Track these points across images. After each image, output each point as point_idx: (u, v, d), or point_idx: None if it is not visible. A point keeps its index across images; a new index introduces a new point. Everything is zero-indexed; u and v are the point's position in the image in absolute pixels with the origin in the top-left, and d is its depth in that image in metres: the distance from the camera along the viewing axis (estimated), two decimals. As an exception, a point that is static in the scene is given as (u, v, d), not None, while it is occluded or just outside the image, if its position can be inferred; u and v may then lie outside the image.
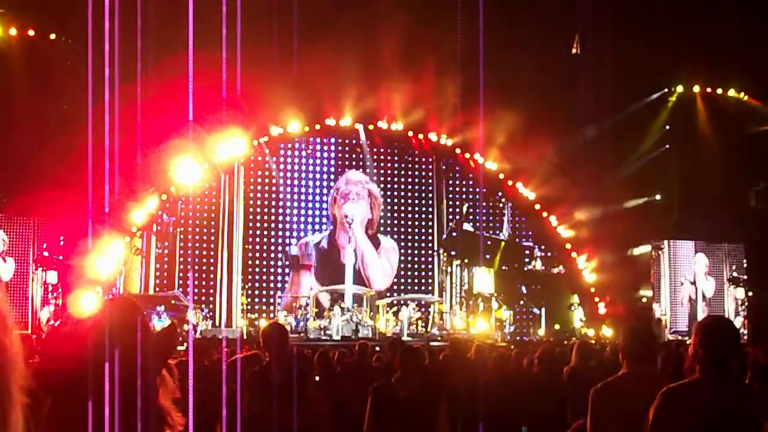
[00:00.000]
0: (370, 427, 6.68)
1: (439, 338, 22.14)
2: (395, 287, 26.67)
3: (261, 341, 6.65)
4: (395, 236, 27.45)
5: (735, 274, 27.19)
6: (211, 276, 25.11)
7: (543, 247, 28.05)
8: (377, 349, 13.50)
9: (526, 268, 27.65)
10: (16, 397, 1.27)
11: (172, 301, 21.53)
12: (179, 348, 13.93)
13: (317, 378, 8.50)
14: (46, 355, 2.16)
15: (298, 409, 5.98)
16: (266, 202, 26.80)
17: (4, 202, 21.37)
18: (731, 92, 27.92)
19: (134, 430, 2.15)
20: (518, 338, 24.43)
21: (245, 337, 20.98)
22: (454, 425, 6.75)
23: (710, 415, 3.87)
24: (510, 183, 27.76)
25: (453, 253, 26.57)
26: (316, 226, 27.07)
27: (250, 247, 26.33)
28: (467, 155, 27.69)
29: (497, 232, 27.78)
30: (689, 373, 4.26)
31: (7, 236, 21.43)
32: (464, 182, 28.29)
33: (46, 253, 21.69)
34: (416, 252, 27.86)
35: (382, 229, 27.20)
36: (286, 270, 26.49)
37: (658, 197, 27.68)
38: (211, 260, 25.25)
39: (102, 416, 2.13)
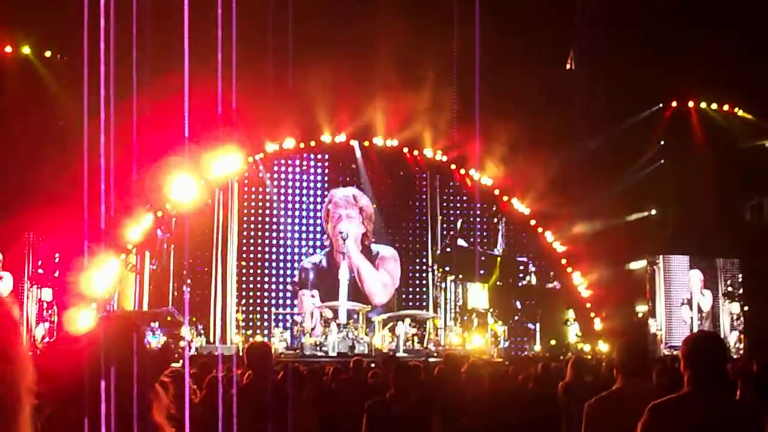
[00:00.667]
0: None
1: (435, 354, 22.10)
2: (391, 302, 26.57)
3: (245, 360, 6.65)
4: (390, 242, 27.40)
5: (730, 288, 27.22)
6: (206, 292, 25.04)
7: (538, 262, 28.03)
8: (373, 365, 13.48)
9: (520, 284, 27.61)
10: (25, 399, 1.30)
11: (167, 318, 21.49)
12: (174, 365, 13.91)
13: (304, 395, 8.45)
14: (41, 372, 2.17)
15: (280, 429, 5.96)
16: (261, 219, 26.81)
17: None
18: (726, 107, 28.02)
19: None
20: (513, 353, 24.40)
21: (241, 353, 20.92)
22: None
23: (698, 429, 3.88)
24: (505, 198, 27.80)
25: (447, 268, 26.54)
26: (310, 243, 27.05)
27: (245, 263, 26.31)
28: (462, 171, 27.74)
29: (492, 247, 27.76)
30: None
31: (1, 254, 21.40)
32: (459, 198, 28.29)
33: (41, 270, 21.66)
34: (411, 268, 27.84)
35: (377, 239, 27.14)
36: (281, 287, 26.49)
37: (653, 212, 27.73)
38: (206, 277, 25.19)
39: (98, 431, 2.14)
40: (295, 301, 26.01)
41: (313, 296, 24.51)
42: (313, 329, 23.24)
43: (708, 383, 4.01)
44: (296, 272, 26.59)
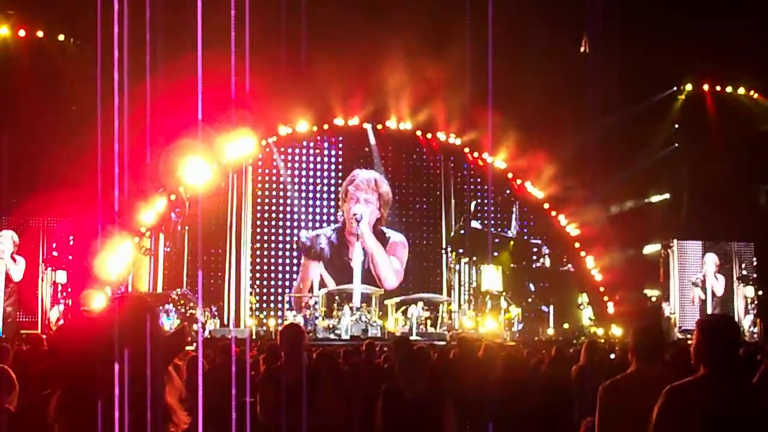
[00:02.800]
0: (380, 427, 6.68)
1: (448, 337, 22.12)
2: (404, 285, 26.56)
3: (278, 342, 6.72)
4: (403, 234, 27.37)
5: (744, 272, 27.11)
6: (220, 275, 25.11)
7: (551, 245, 27.98)
8: (386, 349, 13.49)
9: (534, 266, 27.60)
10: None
11: (181, 300, 21.56)
12: (189, 348, 13.96)
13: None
14: (54, 352, 2.18)
15: (309, 411, 5.99)
16: (274, 201, 26.83)
17: (14, 202, 21.44)
18: (741, 90, 27.84)
19: (141, 428, 2.15)
20: (527, 337, 24.39)
21: (254, 336, 20.98)
22: (462, 425, 6.75)
23: (715, 412, 3.87)
24: (518, 182, 27.73)
25: (461, 251, 26.52)
26: (324, 225, 27.05)
27: (259, 246, 26.38)
28: (476, 154, 27.67)
29: (505, 230, 27.73)
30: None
31: (18, 237, 21.51)
32: (472, 181, 28.20)
33: (55, 253, 21.76)
34: (424, 251, 27.83)
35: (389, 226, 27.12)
36: (294, 267, 26.52)
37: (667, 196, 27.61)
38: (220, 260, 25.26)
39: (110, 414, 2.14)
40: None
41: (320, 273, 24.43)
42: (315, 304, 23.28)
43: (723, 366, 3.99)
44: (302, 236, 26.54)
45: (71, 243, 21.77)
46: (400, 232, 27.18)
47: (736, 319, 24.86)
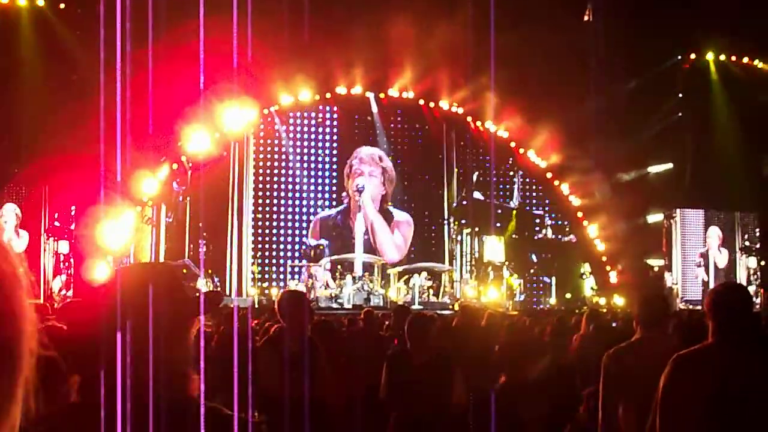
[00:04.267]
0: (386, 392, 6.69)
1: (450, 306, 22.17)
2: (406, 255, 26.59)
3: (276, 309, 6.65)
4: (405, 204, 27.37)
5: (747, 243, 27.11)
6: (222, 245, 25.10)
7: (554, 215, 27.99)
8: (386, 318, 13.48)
9: (536, 237, 27.61)
10: (26, 364, 1.25)
11: (183, 270, 21.58)
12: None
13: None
14: (62, 335, 2.16)
15: (311, 380, 5.97)
16: (276, 171, 26.79)
17: (16, 172, 21.42)
18: (745, 60, 27.69)
19: (149, 389, 2.13)
20: (529, 307, 24.44)
21: (256, 306, 21.02)
22: (467, 392, 6.76)
23: (724, 380, 3.86)
24: (521, 151, 27.66)
25: (464, 221, 26.51)
26: (326, 195, 27.03)
27: (261, 216, 26.38)
28: (478, 123, 27.58)
29: (508, 200, 27.71)
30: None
31: (20, 210, 21.50)
32: (475, 150, 28.08)
33: (57, 223, 21.76)
34: (427, 221, 27.83)
35: (394, 203, 27.09)
36: (296, 239, 26.52)
37: (670, 165, 27.54)
38: (222, 229, 25.25)
39: (115, 383, 2.12)
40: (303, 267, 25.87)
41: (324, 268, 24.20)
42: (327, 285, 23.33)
43: (732, 334, 3.98)
44: (310, 228, 26.53)
45: (73, 213, 21.75)
46: (401, 205, 27.17)
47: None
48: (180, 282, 2.37)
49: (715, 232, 27.19)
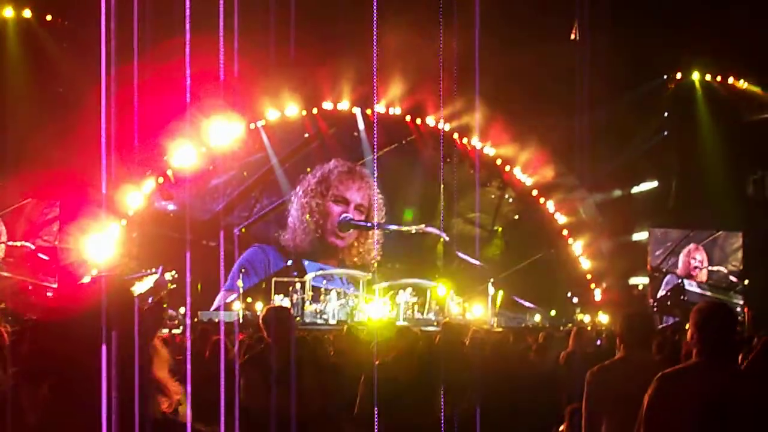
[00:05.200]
0: (364, 408, 6.65)
1: (434, 323, 22.14)
2: (392, 269, 26.52)
3: (261, 325, 6.61)
4: (393, 219, 27.32)
5: (732, 262, 27.15)
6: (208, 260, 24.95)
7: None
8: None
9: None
10: None
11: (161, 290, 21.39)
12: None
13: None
14: (37, 341, 2.14)
15: (297, 397, 5.94)
16: (262, 187, 26.71)
17: (1, 184, 21.31)
18: (730, 79, 27.84)
19: (131, 403, 2.12)
20: (514, 323, 24.43)
21: (241, 321, 20.93)
22: (449, 412, 6.73)
23: (707, 399, 3.86)
24: (507, 168, 27.70)
25: (452, 292, 25.84)
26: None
27: (245, 230, 26.29)
28: (465, 140, 27.59)
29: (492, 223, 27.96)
30: (687, 360, 4.25)
31: (4, 226, 21.33)
32: (462, 167, 28.02)
33: (46, 237, 21.63)
34: (414, 236, 27.73)
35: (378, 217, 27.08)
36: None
37: (655, 184, 27.63)
38: (211, 242, 25.13)
39: (99, 395, 2.11)
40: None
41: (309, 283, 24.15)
42: (312, 297, 23.27)
43: (717, 354, 3.98)
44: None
45: (57, 226, 21.64)
46: (388, 220, 27.17)
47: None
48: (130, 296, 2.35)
49: (696, 250, 27.16)
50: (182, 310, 20.10)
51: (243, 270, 24.20)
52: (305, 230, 26.23)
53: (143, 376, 2.19)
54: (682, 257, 26.75)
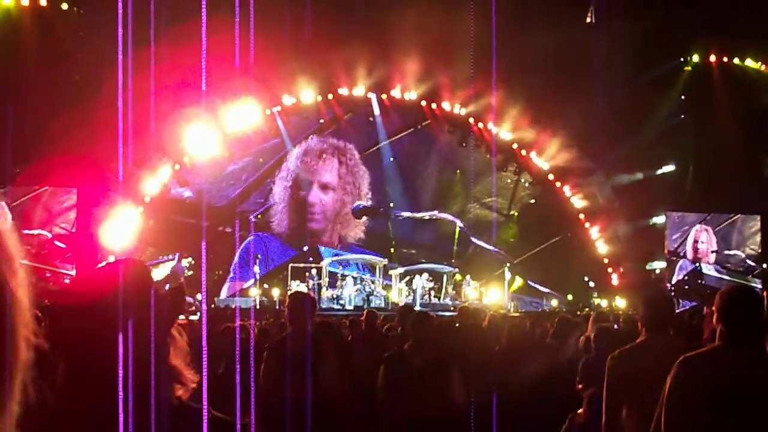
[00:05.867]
0: (384, 395, 6.65)
1: (451, 308, 22.13)
2: (409, 256, 26.51)
3: (286, 311, 6.65)
4: (409, 205, 27.27)
5: (751, 246, 26.99)
6: (226, 246, 25.02)
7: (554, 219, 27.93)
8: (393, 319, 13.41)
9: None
10: (22, 352, 1.22)
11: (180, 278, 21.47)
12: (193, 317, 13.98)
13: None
14: (55, 322, 2.13)
15: (314, 383, 5.94)
16: (278, 172, 26.71)
17: (18, 172, 21.39)
18: (748, 61, 27.63)
19: (147, 391, 2.11)
20: (530, 308, 24.41)
21: (257, 306, 20.97)
22: (467, 394, 6.73)
23: (730, 383, 3.84)
24: (524, 153, 27.59)
25: (468, 276, 25.77)
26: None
27: (261, 217, 26.32)
28: (480, 125, 27.49)
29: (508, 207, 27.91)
30: (708, 344, 4.23)
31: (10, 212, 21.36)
32: (478, 152, 27.96)
33: (64, 224, 21.72)
34: (430, 222, 27.69)
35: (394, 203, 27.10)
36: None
37: (672, 167, 27.47)
38: (227, 229, 25.21)
39: (115, 380, 2.10)
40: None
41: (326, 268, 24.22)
42: (328, 282, 23.30)
43: (740, 337, 3.95)
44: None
45: (74, 213, 21.72)
46: (405, 207, 27.17)
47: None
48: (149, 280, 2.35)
49: (710, 234, 27.00)
50: (199, 296, 20.16)
51: (257, 257, 24.26)
52: (281, 216, 26.37)
53: (160, 363, 2.18)
54: (689, 240, 26.62)
